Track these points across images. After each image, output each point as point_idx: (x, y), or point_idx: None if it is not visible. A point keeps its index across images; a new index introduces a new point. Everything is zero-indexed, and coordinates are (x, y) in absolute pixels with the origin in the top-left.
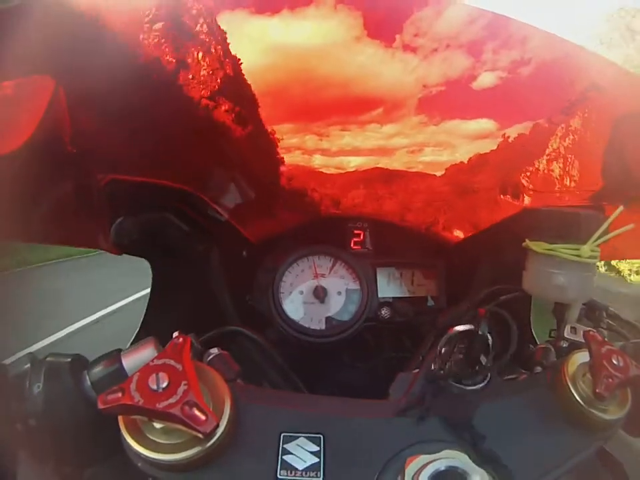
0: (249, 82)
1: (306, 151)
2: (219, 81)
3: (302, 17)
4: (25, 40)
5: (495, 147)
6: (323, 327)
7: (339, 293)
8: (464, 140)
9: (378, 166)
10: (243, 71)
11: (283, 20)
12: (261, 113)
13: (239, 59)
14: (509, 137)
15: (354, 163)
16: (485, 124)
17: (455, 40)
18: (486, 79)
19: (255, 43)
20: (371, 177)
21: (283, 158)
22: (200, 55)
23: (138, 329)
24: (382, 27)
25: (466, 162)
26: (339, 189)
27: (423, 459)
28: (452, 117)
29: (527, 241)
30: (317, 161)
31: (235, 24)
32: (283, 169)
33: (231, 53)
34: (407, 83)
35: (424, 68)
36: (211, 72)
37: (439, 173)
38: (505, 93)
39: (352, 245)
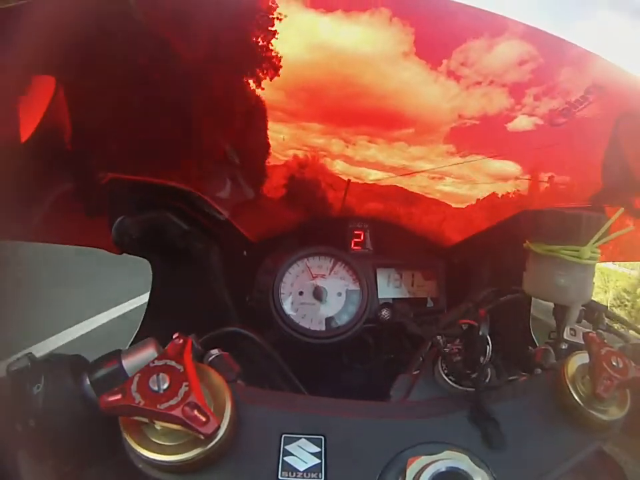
0: (286, 73)
1: (329, 154)
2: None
3: (355, 21)
4: (25, 39)
5: (512, 190)
6: (323, 328)
7: (339, 294)
8: (485, 177)
9: (396, 185)
10: (280, 63)
11: (336, 20)
12: (286, 108)
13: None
14: (527, 182)
15: (373, 176)
16: (509, 166)
17: (500, 78)
18: (521, 123)
19: (302, 37)
20: (388, 193)
21: (296, 155)
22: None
23: (138, 330)
24: (431, 48)
25: (481, 199)
26: (355, 197)
27: (423, 459)
28: (479, 152)
29: (527, 242)
30: (338, 166)
31: (287, 13)
32: (293, 167)
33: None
34: (443, 110)
35: (463, 98)
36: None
37: (454, 204)
38: (536, 140)
39: (352, 246)
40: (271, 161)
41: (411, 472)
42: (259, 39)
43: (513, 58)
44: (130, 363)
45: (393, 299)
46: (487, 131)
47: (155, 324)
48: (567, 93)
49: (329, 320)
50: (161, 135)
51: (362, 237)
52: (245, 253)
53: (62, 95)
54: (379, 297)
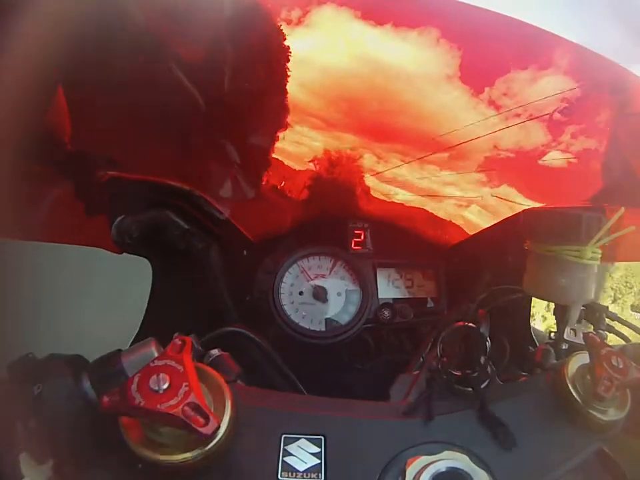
0: (328, 82)
1: (359, 167)
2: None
3: (403, 37)
4: (25, 38)
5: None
6: (323, 328)
7: (339, 294)
8: (510, 210)
9: (422, 207)
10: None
11: (385, 34)
12: (324, 116)
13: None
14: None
15: (401, 196)
16: (534, 202)
17: (540, 112)
18: (555, 159)
19: (349, 46)
20: (414, 215)
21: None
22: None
23: (138, 329)
24: (476, 74)
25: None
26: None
27: (423, 459)
28: (509, 184)
29: (528, 242)
30: (368, 181)
31: (336, 19)
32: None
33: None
34: (479, 138)
35: (500, 128)
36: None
37: (471, 232)
38: (567, 178)
39: (352, 246)
40: (292, 165)
41: (410, 472)
42: (298, 44)
43: (555, 92)
44: (130, 363)
45: (393, 299)
46: (520, 165)
47: (155, 324)
48: (604, 131)
49: (328, 320)
50: (162, 134)
51: (362, 237)
52: (244, 252)
53: (62, 93)
54: (379, 296)
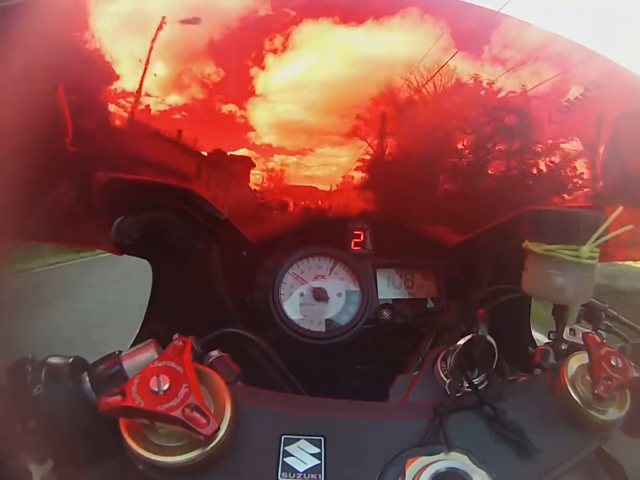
0: (332, 95)
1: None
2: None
3: (388, 27)
4: (26, 38)
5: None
6: (323, 328)
7: (339, 295)
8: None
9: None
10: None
11: (368, 30)
12: (342, 131)
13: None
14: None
15: None
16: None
17: (541, 52)
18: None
19: (340, 54)
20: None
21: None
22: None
23: (138, 331)
24: (469, 37)
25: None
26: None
27: (423, 460)
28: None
29: (527, 241)
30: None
31: (318, 33)
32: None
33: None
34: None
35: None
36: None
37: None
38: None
39: (352, 246)
40: (324, 188)
41: (410, 472)
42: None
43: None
44: (130, 364)
45: (393, 299)
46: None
47: (155, 325)
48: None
49: (328, 321)
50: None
51: (362, 237)
52: (244, 253)
53: (62, 93)
54: (379, 297)
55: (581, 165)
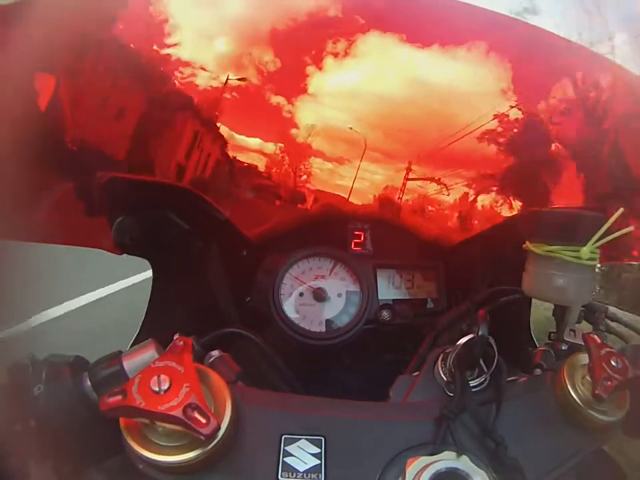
0: (384, 111)
1: (421, 193)
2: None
3: (452, 56)
4: (26, 37)
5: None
6: (323, 329)
7: (339, 295)
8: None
9: None
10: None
11: (432, 55)
12: (384, 148)
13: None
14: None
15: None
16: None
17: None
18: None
19: (400, 72)
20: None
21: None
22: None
23: (139, 330)
24: (530, 85)
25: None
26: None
27: (423, 460)
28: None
29: (527, 242)
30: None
31: (382, 47)
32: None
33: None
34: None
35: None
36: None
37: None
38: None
39: (352, 247)
40: (355, 201)
41: (410, 472)
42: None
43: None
44: (131, 364)
45: (393, 299)
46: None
47: (155, 325)
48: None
49: (328, 321)
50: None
51: (362, 238)
52: (244, 253)
53: (63, 93)
54: (379, 297)
55: (582, 166)
